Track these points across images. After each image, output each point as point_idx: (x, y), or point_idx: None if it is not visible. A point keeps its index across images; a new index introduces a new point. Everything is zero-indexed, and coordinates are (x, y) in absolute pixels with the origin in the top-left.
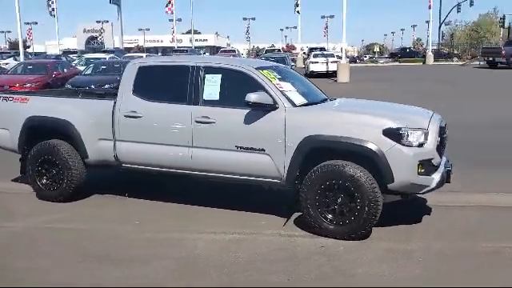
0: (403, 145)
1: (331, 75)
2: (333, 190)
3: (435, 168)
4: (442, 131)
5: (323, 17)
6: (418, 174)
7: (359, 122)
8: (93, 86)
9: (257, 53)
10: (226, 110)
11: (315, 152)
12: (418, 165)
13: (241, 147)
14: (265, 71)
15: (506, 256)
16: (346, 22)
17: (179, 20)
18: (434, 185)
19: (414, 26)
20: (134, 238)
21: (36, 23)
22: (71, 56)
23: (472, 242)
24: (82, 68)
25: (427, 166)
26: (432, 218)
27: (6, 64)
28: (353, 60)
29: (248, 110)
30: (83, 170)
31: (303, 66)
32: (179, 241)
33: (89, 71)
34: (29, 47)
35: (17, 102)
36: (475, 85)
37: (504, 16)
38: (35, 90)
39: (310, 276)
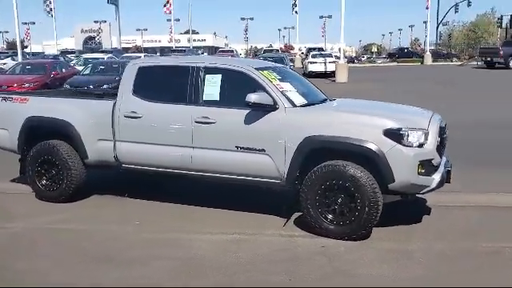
0: (403, 145)
1: (329, 75)
2: (333, 191)
3: (435, 168)
4: (442, 131)
5: (321, 17)
6: (419, 174)
7: (359, 122)
8: (91, 86)
9: (255, 53)
10: (226, 111)
11: (315, 152)
12: (419, 165)
13: (241, 147)
14: (265, 71)
15: (506, 256)
16: (344, 22)
17: (177, 20)
18: (434, 185)
19: (411, 27)
20: (134, 239)
21: (34, 23)
22: (69, 56)
23: (472, 242)
24: (80, 68)
25: (427, 167)
26: (432, 218)
27: (4, 64)
28: (351, 60)
29: (248, 111)
30: (83, 171)
31: (301, 66)
32: (179, 241)
33: (87, 71)
34: (26, 47)
35: (16, 103)
36: (473, 85)
37: (502, 16)
38: (34, 90)
39: (311, 276)
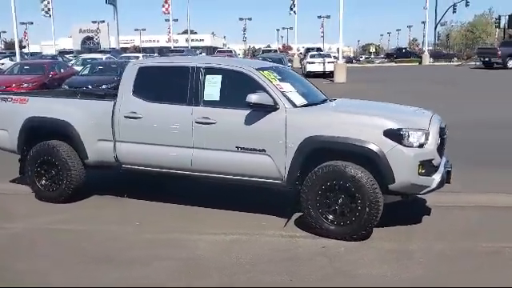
0: (404, 145)
1: (328, 75)
2: (334, 191)
3: (435, 169)
4: (442, 132)
5: (319, 17)
6: (419, 174)
7: (360, 122)
8: (90, 87)
9: (253, 53)
10: (227, 111)
11: (316, 153)
12: (419, 165)
13: (241, 148)
14: (265, 72)
15: (506, 256)
16: (343, 22)
17: (175, 20)
18: (434, 185)
19: (409, 27)
20: (134, 239)
21: (32, 23)
22: (67, 56)
23: (472, 242)
24: (78, 68)
25: (428, 167)
26: (432, 218)
27: (2, 64)
28: (349, 60)
29: (248, 111)
30: (82, 171)
31: (300, 66)
32: (180, 242)
33: (86, 71)
34: (24, 47)
35: (16, 103)
36: (472, 85)
37: (499, 16)
38: (33, 91)
39: (312, 277)
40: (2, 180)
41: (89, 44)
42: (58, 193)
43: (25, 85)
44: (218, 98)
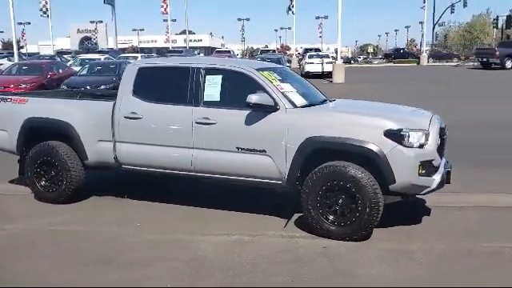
0: (404, 146)
1: (326, 76)
2: (334, 191)
3: (435, 169)
4: (442, 132)
5: (317, 17)
6: (419, 175)
7: (360, 123)
8: (88, 87)
9: (251, 53)
10: (227, 111)
11: (316, 153)
12: (419, 166)
13: (241, 148)
14: (265, 72)
15: (506, 256)
16: (341, 22)
17: (174, 20)
18: (434, 186)
19: (407, 27)
20: (135, 240)
21: (29, 23)
22: (65, 57)
23: (472, 242)
24: (76, 69)
25: (428, 167)
26: (432, 218)
27: (0, 65)
28: (347, 61)
29: (249, 111)
30: (82, 172)
31: (298, 66)
32: (181, 242)
33: (84, 72)
34: (22, 47)
35: (15, 103)
36: (470, 85)
37: (497, 17)
38: (31, 91)
39: (313, 277)
40: (2, 180)
41: (87, 44)
42: (57, 194)
43: (23, 85)
44: (218, 99)
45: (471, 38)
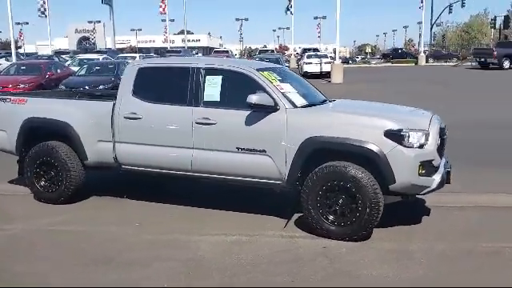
0: (404, 146)
1: (325, 76)
2: (334, 191)
3: (435, 169)
4: (441, 132)
5: (316, 17)
6: (419, 175)
7: (360, 123)
8: (87, 87)
9: (249, 53)
10: (227, 112)
11: (316, 153)
12: (419, 166)
13: (242, 148)
14: (265, 72)
15: (506, 256)
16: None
17: (172, 20)
18: (434, 186)
19: (405, 27)
20: (134, 240)
21: (27, 23)
22: (63, 57)
23: (472, 242)
24: (75, 69)
25: (428, 167)
26: (432, 218)
27: None
28: (345, 61)
29: (249, 112)
30: (82, 172)
31: (297, 66)
32: (180, 242)
33: (83, 72)
34: (20, 47)
35: (14, 104)
36: (469, 85)
37: (495, 17)
38: (30, 91)
39: (313, 277)
40: (1, 181)
41: (85, 44)
42: (57, 194)
43: (21, 85)
44: (218, 99)
45: (469, 38)
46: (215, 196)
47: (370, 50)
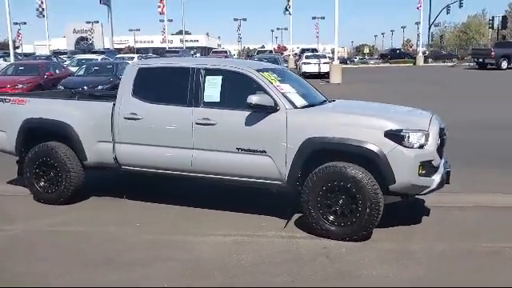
0: (404, 146)
1: (323, 76)
2: (334, 192)
3: (435, 169)
4: (441, 132)
5: (314, 18)
6: (419, 175)
7: (360, 123)
8: (86, 87)
9: (247, 53)
10: (227, 112)
11: (317, 153)
12: (419, 166)
13: (242, 149)
14: (265, 73)
15: (506, 256)
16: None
17: (170, 21)
18: (434, 186)
19: (403, 28)
20: (134, 241)
21: (25, 23)
22: (61, 57)
23: (472, 242)
24: (73, 69)
25: (428, 168)
26: (432, 218)
27: None
28: (343, 61)
29: (249, 112)
30: (81, 173)
31: (295, 66)
32: (180, 243)
33: (81, 72)
34: (18, 48)
35: (14, 104)
36: (466, 86)
37: (493, 17)
38: (28, 92)
39: (313, 277)
40: (0, 181)
41: (83, 44)
42: (56, 194)
43: (20, 86)
44: (218, 99)
45: (467, 39)
46: (216, 196)
47: (368, 51)
